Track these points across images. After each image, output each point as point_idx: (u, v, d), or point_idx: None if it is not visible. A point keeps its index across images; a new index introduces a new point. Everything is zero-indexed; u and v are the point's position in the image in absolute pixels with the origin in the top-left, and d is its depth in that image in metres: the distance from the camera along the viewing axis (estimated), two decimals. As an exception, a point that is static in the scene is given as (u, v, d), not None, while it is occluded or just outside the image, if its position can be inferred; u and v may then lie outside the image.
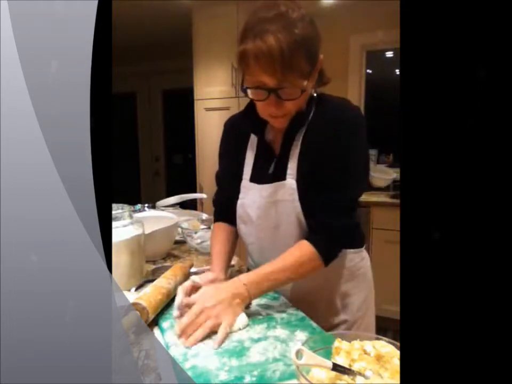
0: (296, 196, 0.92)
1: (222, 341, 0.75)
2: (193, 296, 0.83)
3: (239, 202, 1.02)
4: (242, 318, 0.81)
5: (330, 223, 0.89)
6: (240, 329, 0.80)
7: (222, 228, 1.10)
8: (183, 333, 0.76)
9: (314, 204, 0.91)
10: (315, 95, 0.95)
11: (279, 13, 0.79)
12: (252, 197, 1.00)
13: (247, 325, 0.82)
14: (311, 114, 0.94)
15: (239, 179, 1.03)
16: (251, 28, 0.80)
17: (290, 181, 0.93)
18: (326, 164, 0.90)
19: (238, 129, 1.06)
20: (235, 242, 1.11)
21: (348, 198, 0.91)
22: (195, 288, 0.88)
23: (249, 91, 0.86)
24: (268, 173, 0.98)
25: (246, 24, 0.82)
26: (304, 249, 0.89)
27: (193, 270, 1.14)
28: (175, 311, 0.82)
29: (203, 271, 1.16)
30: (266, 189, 0.96)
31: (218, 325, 0.77)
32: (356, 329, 1.05)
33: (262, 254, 1.04)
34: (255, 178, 1.00)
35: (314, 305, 1.00)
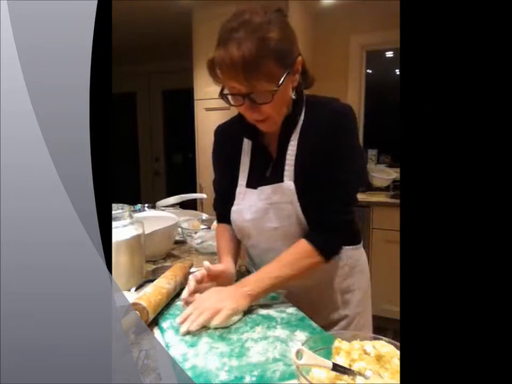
0: (295, 197, 0.93)
1: (223, 320, 0.79)
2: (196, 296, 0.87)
3: (234, 208, 1.03)
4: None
5: (327, 220, 0.91)
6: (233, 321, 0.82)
7: (226, 227, 1.11)
8: (182, 322, 0.79)
9: (312, 202, 0.92)
10: (296, 97, 0.93)
11: (243, 20, 0.80)
12: (248, 201, 1.00)
13: (238, 318, 0.84)
14: (302, 116, 0.95)
15: (235, 186, 1.03)
16: (219, 38, 0.83)
17: (288, 182, 0.94)
18: (320, 162, 0.91)
19: (230, 135, 1.06)
20: (239, 242, 1.11)
21: (343, 194, 0.93)
22: (207, 277, 0.92)
23: (229, 97, 0.88)
24: (264, 176, 0.98)
25: (218, 36, 0.84)
26: (301, 246, 0.91)
27: (193, 270, 1.14)
28: (181, 300, 0.87)
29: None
30: (263, 191, 0.97)
31: (219, 311, 0.80)
32: (355, 325, 1.06)
33: (262, 256, 1.04)
34: (251, 184, 1.00)
35: (315, 302, 1.01)
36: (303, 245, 0.91)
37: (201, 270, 0.92)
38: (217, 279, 0.94)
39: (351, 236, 1.04)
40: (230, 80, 0.82)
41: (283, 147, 0.96)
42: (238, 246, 1.10)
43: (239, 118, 0.99)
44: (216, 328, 0.79)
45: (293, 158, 0.94)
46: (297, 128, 0.95)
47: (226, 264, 0.98)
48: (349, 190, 0.95)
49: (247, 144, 1.03)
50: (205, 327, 0.79)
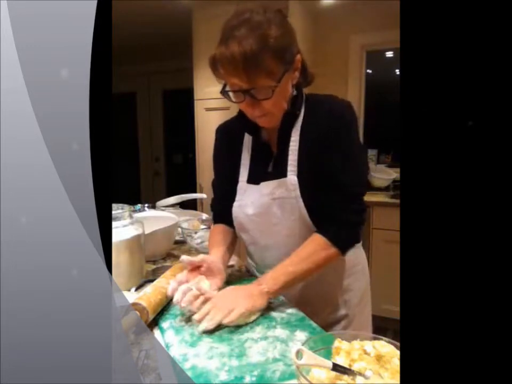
0: (298, 192, 0.94)
1: (235, 319, 0.78)
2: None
3: (235, 204, 1.03)
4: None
5: (342, 212, 0.92)
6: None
7: (220, 229, 1.10)
8: (200, 320, 0.79)
9: (322, 196, 0.92)
10: (295, 93, 0.96)
11: (243, 19, 0.84)
12: (249, 197, 1.00)
13: (256, 317, 0.84)
14: (302, 112, 0.97)
15: (235, 183, 1.03)
16: (221, 37, 0.85)
17: (292, 177, 0.94)
18: (327, 156, 0.92)
19: (231, 133, 1.08)
20: (234, 243, 1.11)
21: (354, 185, 0.94)
22: (190, 271, 0.93)
23: (230, 94, 0.89)
24: (266, 171, 0.99)
25: (220, 34, 0.86)
26: (314, 239, 0.91)
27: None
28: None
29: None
30: (266, 186, 0.97)
31: (233, 310, 0.80)
32: (354, 324, 1.06)
33: (262, 253, 1.05)
34: (252, 179, 1.01)
35: (314, 302, 1.00)
36: (317, 238, 0.91)
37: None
38: (204, 273, 0.93)
39: (363, 227, 1.02)
40: (231, 76, 0.84)
41: (284, 142, 0.97)
42: (232, 243, 1.09)
43: (240, 116, 1.00)
44: (217, 329, 0.79)
45: (296, 153, 0.95)
46: (298, 124, 0.96)
47: (211, 257, 0.97)
48: (359, 181, 0.96)
49: (247, 141, 1.04)
50: (220, 325, 0.79)
